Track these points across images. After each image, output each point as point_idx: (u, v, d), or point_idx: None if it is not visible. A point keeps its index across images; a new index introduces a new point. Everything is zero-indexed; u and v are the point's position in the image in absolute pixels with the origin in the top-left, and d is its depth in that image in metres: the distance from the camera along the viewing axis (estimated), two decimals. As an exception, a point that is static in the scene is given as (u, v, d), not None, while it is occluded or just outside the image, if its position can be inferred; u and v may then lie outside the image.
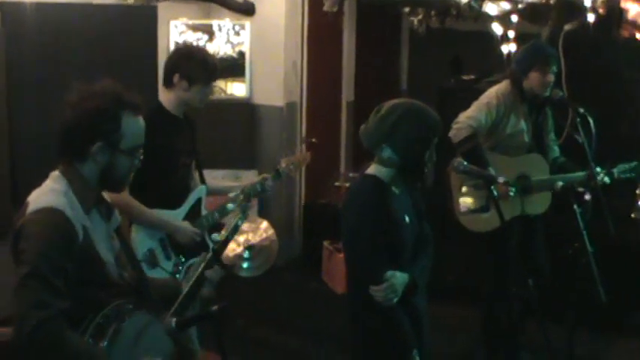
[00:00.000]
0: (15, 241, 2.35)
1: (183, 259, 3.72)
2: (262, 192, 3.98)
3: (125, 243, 2.61)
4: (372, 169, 2.99)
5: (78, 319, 2.31)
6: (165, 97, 3.70)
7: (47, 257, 2.26)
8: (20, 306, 2.23)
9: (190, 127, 3.83)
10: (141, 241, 3.61)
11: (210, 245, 2.76)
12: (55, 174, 2.45)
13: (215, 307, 2.30)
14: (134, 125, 2.45)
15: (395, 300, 2.85)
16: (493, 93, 4.44)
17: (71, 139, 2.41)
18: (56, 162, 2.48)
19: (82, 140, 2.39)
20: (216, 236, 2.76)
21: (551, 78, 4.35)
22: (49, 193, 2.38)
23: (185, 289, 2.54)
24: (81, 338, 2.30)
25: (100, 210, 2.52)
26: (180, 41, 5.95)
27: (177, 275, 3.68)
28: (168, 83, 3.68)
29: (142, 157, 2.51)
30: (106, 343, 2.31)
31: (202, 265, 2.57)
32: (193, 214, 3.78)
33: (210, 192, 3.92)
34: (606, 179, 4.22)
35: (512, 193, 4.16)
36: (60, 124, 2.43)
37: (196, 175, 3.89)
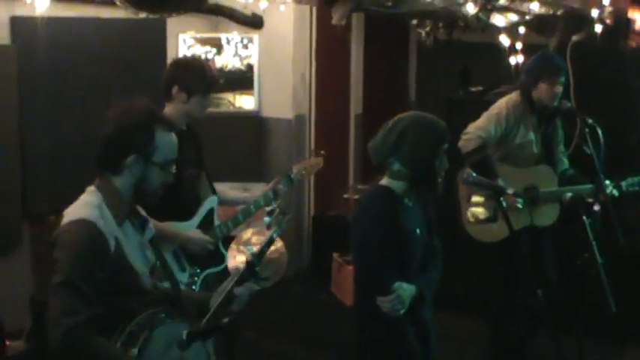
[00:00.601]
0: (52, 251, 2.45)
1: (198, 270, 3.72)
2: (275, 198, 3.96)
3: (160, 254, 2.70)
4: (384, 181, 2.99)
5: (112, 327, 2.39)
6: (167, 110, 3.68)
7: (79, 266, 2.36)
8: (52, 314, 2.33)
9: (194, 139, 3.82)
10: None
11: (245, 258, 2.71)
12: (91, 188, 2.56)
13: (226, 320, 2.30)
14: (167, 140, 2.59)
15: (402, 311, 2.85)
16: (503, 104, 4.45)
17: (108, 152, 2.55)
18: (93, 175, 2.60)
19: (118, 153, 2.52)
20: (251, 248, 2.78)
21: (559, 89, 4.35)
22: (83, 206, 2.49)
23: (214, 306, 2.55)
24: (111, 345, 2.37)
25: (134, 222, 2.62)
26: (189, 55, 5.98)
27: (193, 286, 3.68)
28: (168, 96, 3.66)
29: (174, 172, 2.63)
30: (136, 350, 2.37)
31: (234, 281, 2.58)
32: (206, 225, 3.78)
33: (222, 202, 3.93)
34: (614, 192, 4.22)
35: (519, 205, 4.16)
36: (98, 138, 2.56)
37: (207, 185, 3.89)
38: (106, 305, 2.39)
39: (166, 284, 2.79)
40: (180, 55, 5.93)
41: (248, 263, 2.64)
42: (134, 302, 2.48)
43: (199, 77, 3.65)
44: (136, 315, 2.44)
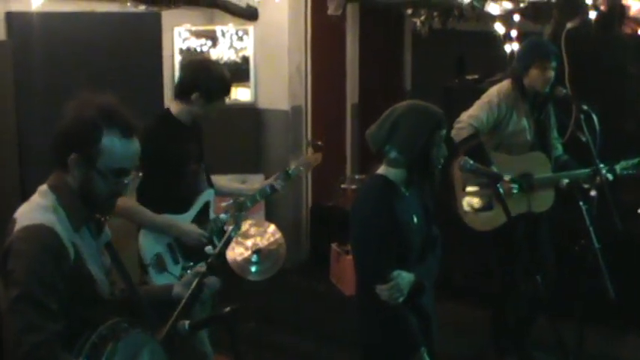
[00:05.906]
0: (3, 261, 2.22)
1: (191, 263, 3.74)
2: (272, 193, 4.02)
3: (116, 258, 2.49)
4: (382, 170, 3.00)
5: (72, 340, 2.23)
6: (177, 107, 3.70)
7: (38, 277, 2.16)
8: (12, 331, 2.14)
9: (198, 133, 3.85)
10: (148, 246, 3.64)
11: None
12: (43, 188, 2.35)
13: (227, 310, 2.29)
14: (117, 146, 2.29)
15: (400, 299, 2.86)
16: (494, 92, 4.45)
17: (54, 146, 2.33)
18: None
19: (62, 148, 2.31)
20: (210, 249, 2.69)
21: (551, 74, 4.34)
22: (37, 209, 2.28)
23: (183, 299, 2.48)
24: None
25: (90, 226, 2.40)
26: (184, 47, 5.99)
27: None
28: (185, 99, 3.66)
29: (125, 183, 2.35)
30: None
31: (197, 279, 2.50)
32: (202, 218, 3.80)
33: (220, 194, 3.95)
34: (609, 176, 4.22)
35: (515, 191, 4.18)
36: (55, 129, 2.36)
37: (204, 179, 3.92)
38: (67, 317, 2.20)
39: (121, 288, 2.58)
40: (176, 48, 5.94)
41: (208, 264, 2.52)
42: (95, 311, 2.31)
43: (220, 84, 3.68)
44: (97, 324, 2.26)
